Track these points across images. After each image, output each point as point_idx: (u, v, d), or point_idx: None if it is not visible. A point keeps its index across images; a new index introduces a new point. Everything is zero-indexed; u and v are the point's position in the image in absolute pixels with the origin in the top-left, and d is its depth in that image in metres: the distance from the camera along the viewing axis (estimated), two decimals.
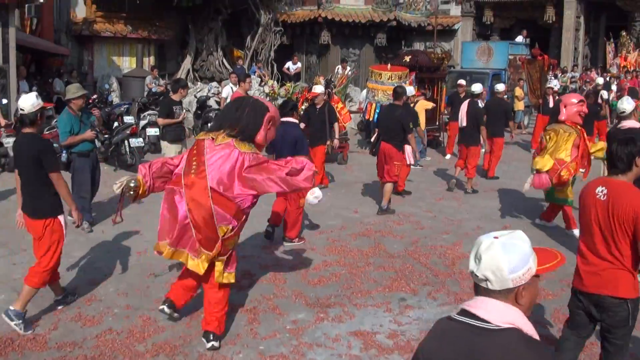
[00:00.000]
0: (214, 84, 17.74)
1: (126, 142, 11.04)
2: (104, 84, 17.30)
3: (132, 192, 4.61)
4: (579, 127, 7.53)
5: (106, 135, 11.45)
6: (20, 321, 4.79)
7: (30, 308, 5.18)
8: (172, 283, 5.19)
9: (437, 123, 15.26)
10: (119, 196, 4.80)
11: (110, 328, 4.89)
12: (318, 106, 10.19)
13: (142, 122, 13.00)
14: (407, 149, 8.76)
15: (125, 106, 13.71)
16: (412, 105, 11.22)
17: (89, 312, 5.19)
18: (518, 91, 17.39)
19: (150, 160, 4.93)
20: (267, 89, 17.24)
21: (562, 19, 24.19)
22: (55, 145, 7.63)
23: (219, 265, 4.53)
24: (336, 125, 10.40)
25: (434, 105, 13.93)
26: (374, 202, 9.30)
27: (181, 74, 19.05)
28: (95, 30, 18.63)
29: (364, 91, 15.58)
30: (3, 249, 6.74)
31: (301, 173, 4.50)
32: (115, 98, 16.65)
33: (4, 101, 11.94)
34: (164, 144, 8.88)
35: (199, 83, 18.39)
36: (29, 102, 4.97)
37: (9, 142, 10.60)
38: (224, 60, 19.73)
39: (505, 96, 13.55)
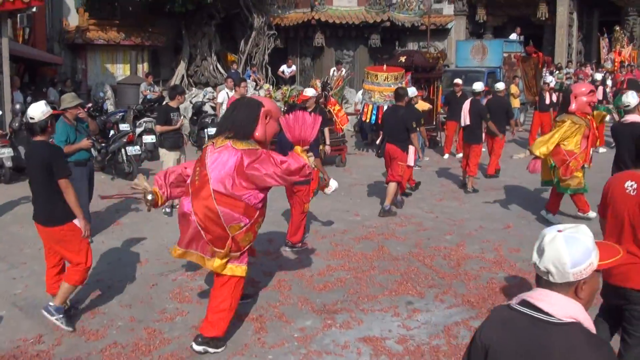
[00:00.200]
0: (209, 89, 17.66)
1: (123, 150, 10.93)
2: (99, 92, 17.18)
3: (148, 204, 4.87)
4: (588, 117, 7.74)
5: (102, 144, 11.36)
6: (61, 316, 4.95)
7: (31, 323, 5.12)
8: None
9: (434, 123, 15.23)
10: (124, 195, 4.99)
11: (115, 342, 4.79)
12: (309, 110, 10.12)
13: (139, 130, 12.89)
14: (411, 149, 8.76)
15: (121, 114, 13.60)
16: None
17: (93, 325, 5.10)
18: (513, 89, 17.39)
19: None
20: (262, 93, 17.18)
21: (555, 16, 24.19)
22: None
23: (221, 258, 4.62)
24: (326, 130, 10.35)
25: (430, 106, 13.92)
26: (374, 205, 9.24)
27: (175, 79, 18.96)
28: (88, 38, 18.52)
29: (359, 92, 15.55)
30: (2, 263, 6.63)
31: (300, 172, 4.59)
32: (110, 106, 16.55)
33: None
34: (162, 151, 8.79)
35: (193, 88, 18.31)
36: (38, 110, 5.02)
37: (3, 152, 10.51)
38: (218, 65, 19.67)
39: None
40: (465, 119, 10.34)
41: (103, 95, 16.63)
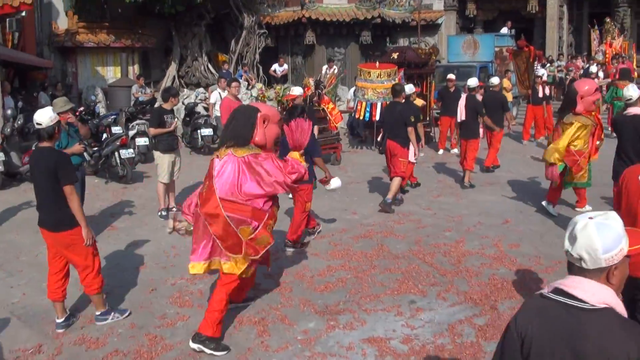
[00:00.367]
0: (201, 89, 17.54)
1: (116, 153, 10.84)
2: (90, 95, 17.03)
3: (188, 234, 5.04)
4: (593, 114, 7.92)
5: (95, 148, 11.25)
6: (112, 313, 5.20)
7: (30, 332, 5.04)
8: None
9: (428, 118, 15.20)
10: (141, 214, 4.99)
11: (116, 349, 4.71)
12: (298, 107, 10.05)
13: (131, 132, 12.78)
14: (411, 146, 8.76)
15: (113, 117, 13.44)
16: None
17: (93, 333, 5.01)
18: (506, 82, 17.35)
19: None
20: (255, 92, 17.09)
21: (546, 9, 24.22)
22: None
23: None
24: (316, 128, 10.28)
25: (424, 103, 13.90)
26: (371, 202, 9.19)
27: (166, 81, 18.81)
28: (78, 41, 18.35)
29: (352, 90, 15.49)
30: None
31: (297, 178, 4.90)
32: (101, 109, 16.39)
33: None
34: (156, 154, 8.70)
35: (185, 89, 18.18)
36: (46, 116, 5.00)
37: None
38: (209, 66, 19.54)
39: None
40: (461, 114, 10.35)
41: (94, 98, 16.49)
